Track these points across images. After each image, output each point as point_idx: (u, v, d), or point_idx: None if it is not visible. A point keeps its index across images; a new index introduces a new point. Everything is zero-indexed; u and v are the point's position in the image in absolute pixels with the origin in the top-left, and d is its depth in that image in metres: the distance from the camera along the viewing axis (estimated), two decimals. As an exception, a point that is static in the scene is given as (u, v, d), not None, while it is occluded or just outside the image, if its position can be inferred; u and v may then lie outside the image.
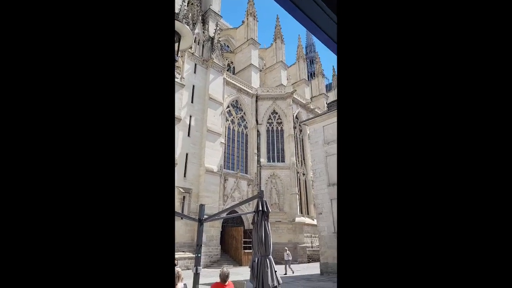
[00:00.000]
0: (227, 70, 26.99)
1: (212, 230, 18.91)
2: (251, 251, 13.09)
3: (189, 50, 21.08)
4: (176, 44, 3.05)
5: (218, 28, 24.80)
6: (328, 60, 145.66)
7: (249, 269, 4.51)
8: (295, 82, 34.52)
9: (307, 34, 72.77)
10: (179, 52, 3.13)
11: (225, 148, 22.14)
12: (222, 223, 20.10)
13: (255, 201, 4.69)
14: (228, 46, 35.09)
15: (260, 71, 32.21)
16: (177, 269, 3.97)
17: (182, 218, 15.95)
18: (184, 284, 4.30)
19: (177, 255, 15.71)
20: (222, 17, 28.01)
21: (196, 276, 6.13)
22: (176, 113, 18.42)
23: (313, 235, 22.10)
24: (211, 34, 24.14)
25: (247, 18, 31.45)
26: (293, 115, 26.21)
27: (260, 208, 4.48)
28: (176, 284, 3.89)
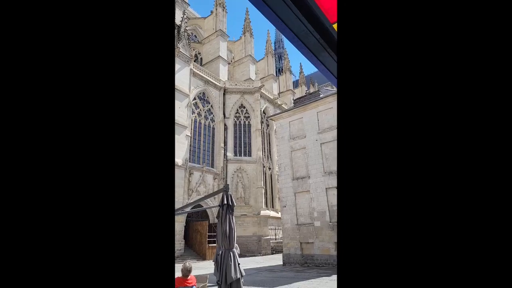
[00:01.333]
0: (194, 61, 26.18)
1: (176, 225, 18.49)
2: (215, 245, 13.08)
3: (154, 37, 20.02)
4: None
5: (185, 17, 23.83)
6: (295, 57, 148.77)
7: (213, 262, 4.51)
8: (263, 77, 34.76)
9: (276, 30, 73.36)
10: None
11: (190, 141, 21.60)
12: (187, 217, 19.73)
13: (221, 195, 4.68)
14: (195, 36, 33.98)
15: (229, 64, 31.81)
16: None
17: (143, 213, 15.36)
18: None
19: (138, 251, 15.15)
20: (189, 5, 26.98)
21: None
22: (139, 103, 17.51)
23: (277, 228, 22.74)
24: (178, 22, 23.15)
25: (216, 9, 30.68)
26: (260, 110, 26.42)
27: (225, 202, 4.49)
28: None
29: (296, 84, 46.01)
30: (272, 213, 23.77)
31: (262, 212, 22.87)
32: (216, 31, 29.63)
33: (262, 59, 38.16)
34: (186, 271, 3.89)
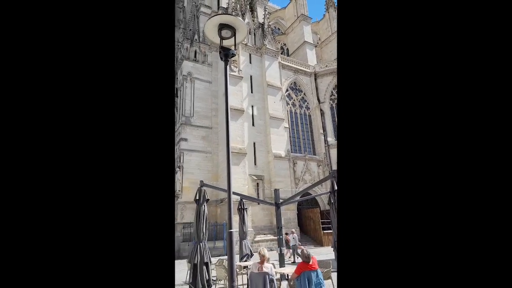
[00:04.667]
0: (281, 53, 26.52)
1: (289, 213, 19.38)
2: (330, 231, 12.88)
3: (242, 41, 21.44)
4: (233, 38, 3.16)
5: (266, 13, 24.41)
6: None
7: (332, 249, 4.50)
8: (356, 51, 31.64)
9: (363, -6, 65.14)
10: (236, 45, 3.23)
11: (289, 132, 22.10)
12: (297, 205, 20.38)
13: (328, 182, 4.60)
14: (278, 29, 34.32)
15: (315, 46, 30.60)
16: (264, 250, 4.26)
17: (258, 204, 16.81)
18: (272, 264, 4.58)
19: (259, 237, 16.72)
20: (269, 0, 27.44)
21: (281, 256, 6.46)
22: (238, 105, 19.16)
23: (397, 213, 20.45)
24: (261, 21, 23.96)
25: (294, -6, 30.00)
26: (358, 87, 24.24)
27: (336, 188, 4.38)
28: (264, 264, 4.18)
29: (397, 48, 39.65)
30: (388, 197, 21.56)
31: (377, 197, 21.08)
32: (298, 17, 29.05)
33: (352, 31, 34.74)
34: (305, 258, 4.05)
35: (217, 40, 3.11)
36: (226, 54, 3.01)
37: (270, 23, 25.16)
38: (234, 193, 6.85)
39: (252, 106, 20.91)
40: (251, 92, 21.27)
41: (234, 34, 3.12)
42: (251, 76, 21.56)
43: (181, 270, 9.22)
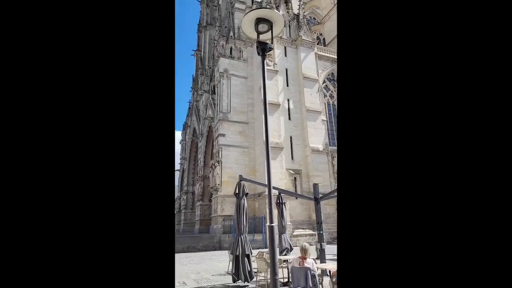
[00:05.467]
0: (317, 44, 25.66)
1: (328, 208, 18.94)
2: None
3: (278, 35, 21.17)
4: (269, 32, 3.13)
5: (301, 3, 23.76)
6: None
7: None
8: (400, 35, 29.29)
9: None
10: (273, 39, 3.19)
11: (327, 125, 21.44)
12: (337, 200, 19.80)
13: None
14: (314, 19, 33.20)
15: (354, 34, 29.05)
16: (306, 245, 4.23)
17: (296, 198, 16.68)
18: (313, 259, 4.53)
19: (297, 232, 16.65)
20: (303, -11, 26.60)
21: (322, 251, 6.36)
22: (274, 99, 19.07)
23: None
24: (295, 12, 23.40)
25: (331, -20, 28.66)
26: (402, 74, 22.49)
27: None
28: (305, 259, 4.16)
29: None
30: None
31: (425, 192, 19.53)
32: (335, 5, 27.78)
33: (395, 14, 32.20)
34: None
35: (254, 35, 3.10)
36: (264, 49, 3.00)
37: (305, 13, 24.43)
38: (273, 188, 6.88)
39: (288, 100, 20.65)
40: (287, 85, 20.99)
41: (271, 28, 3.08)
42: (286, 69, 21.26)
43: (223, 261, 9.59)
